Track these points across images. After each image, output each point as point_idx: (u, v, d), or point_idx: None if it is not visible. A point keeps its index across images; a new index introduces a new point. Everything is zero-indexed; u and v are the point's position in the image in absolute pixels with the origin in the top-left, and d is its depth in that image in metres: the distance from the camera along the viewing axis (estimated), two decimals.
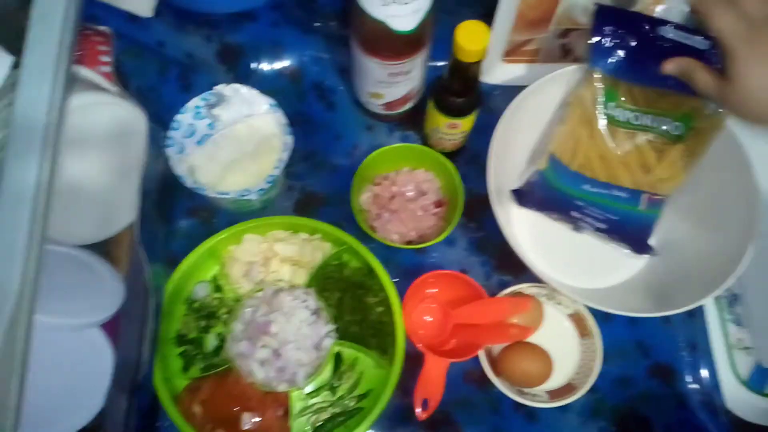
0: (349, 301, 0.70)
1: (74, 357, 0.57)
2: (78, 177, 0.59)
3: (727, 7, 0.52)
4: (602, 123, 0.65)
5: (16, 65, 0.46)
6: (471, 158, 0.78)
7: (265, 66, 0.80)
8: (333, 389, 0.69)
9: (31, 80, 0.41)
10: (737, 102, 0.53)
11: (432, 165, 0.75)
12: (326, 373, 0.70)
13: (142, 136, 0.62)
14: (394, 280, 0.69)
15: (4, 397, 0.38)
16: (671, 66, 0.59)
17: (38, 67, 0.41)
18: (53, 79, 0.42)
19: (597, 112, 0.65)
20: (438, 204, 0.75)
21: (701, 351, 0.74)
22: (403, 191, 0.75)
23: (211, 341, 0.70)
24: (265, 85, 0.75)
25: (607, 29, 0.62)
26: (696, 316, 0.75)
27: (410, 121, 0.79)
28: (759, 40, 0.50)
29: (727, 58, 0.52)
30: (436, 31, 0.64)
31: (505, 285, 0.73)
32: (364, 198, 0.75)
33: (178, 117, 0.67)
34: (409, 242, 0.73)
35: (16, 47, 0.45)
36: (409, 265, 0.74)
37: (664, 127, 0.65)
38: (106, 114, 0.59)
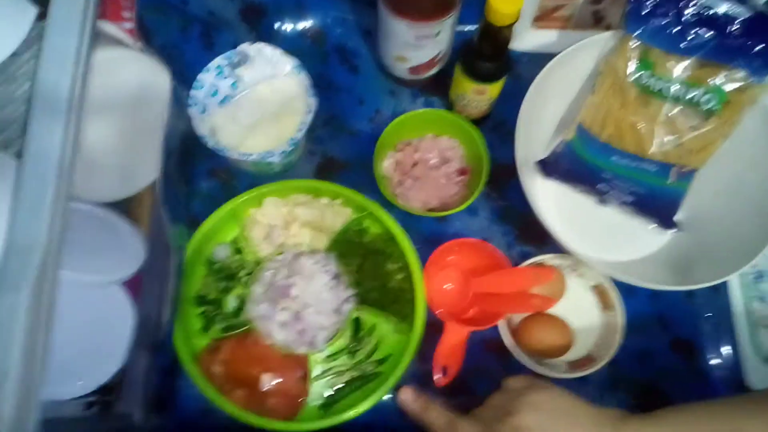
0: (370, 267, 0.70)
1: (96, 314, 0.58)
2: (101, 135, 0.58)
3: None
4: (635, 92, 0.64)
5: (40, 17, 0.45)
6: (496, 126, 0.77)
7: (288, 26, 0.78)
8: (352, 353, 0.69)
9: (57, 32, 0.41)
10: None
11: (456, 132, 0.74)
12: (345, 337, 0.70)
13: (165, 94, 0.61)
14: (415, 247, 0.69)
15: (33, 350, 0.38)
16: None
17: (65, 19, 0.41)
18: (80, 32, 0.41)
19: (630, 81, 0.63)
20: (461, 172, 0.74)
21: (724, 327, 0.73)
22: (426, 158, 0.74)
23: (230, 302, 0.70)
24: (287, 46, 0.73)
25: None
26: (720, 292, 0.73)
27: (435, 87, 0.78)
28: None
29: None
30: None
31: (527, 256, 0.72)
32: (386, 164, 0.74)
33: (201, 76, 0.66)
34: (431, 210, 0.72)
35: None
36: (430, 233, 0.74)
37: (698, 99, 0.63)
38: (130, 71, 0.59)
